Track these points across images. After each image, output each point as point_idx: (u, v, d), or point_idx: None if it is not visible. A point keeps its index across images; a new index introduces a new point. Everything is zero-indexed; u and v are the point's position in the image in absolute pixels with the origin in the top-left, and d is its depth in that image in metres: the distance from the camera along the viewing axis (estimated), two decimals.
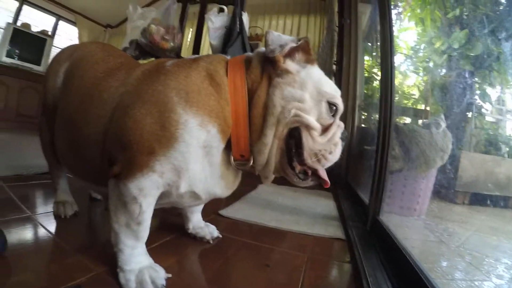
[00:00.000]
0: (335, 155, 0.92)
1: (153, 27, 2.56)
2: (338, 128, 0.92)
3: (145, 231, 0.89)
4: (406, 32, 2.96)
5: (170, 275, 0.91)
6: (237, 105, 0.88)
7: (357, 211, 2.01)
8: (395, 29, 2.95)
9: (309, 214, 1.92)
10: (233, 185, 1.01)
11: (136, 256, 0.89)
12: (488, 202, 1.86)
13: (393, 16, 2.89)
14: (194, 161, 0.84)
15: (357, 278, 1.08)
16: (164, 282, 0.86)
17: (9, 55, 4.65)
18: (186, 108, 0.82)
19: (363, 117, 3.55)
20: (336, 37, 3.73)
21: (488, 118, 2.03)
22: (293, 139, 0.89)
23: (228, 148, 0.90)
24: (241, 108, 0.88)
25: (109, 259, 0.91)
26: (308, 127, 0.88)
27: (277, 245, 1.33)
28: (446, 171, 2.07)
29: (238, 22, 2.43)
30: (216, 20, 2.44)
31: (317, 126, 0.89)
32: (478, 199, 1.93)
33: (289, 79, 0.89)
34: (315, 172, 0.95)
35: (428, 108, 2.82)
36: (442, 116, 2.07)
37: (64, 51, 1.28)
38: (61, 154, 1.19)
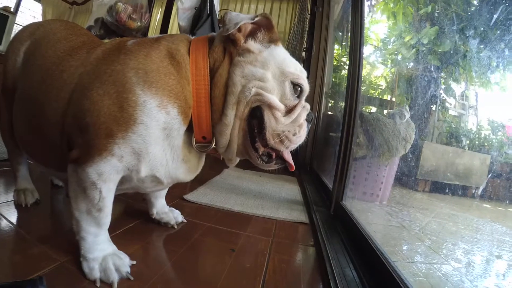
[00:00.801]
0: (300, 137, 0.91)
1: (120, 5, 2.47)
2: (303, 109, 0.91)
3: (106, 217, 0.86)
4: (378, 24, 3.00)
5: (134, 262, 0.89)
6: (198, 84, 0.85)
7: (321, 196, 2.05)
8: (367, 21, 2.99)
9: (273, 199, 1.94)
10: (196, 168, 0.98)
11: (99, 244, 0.86)
12: (448, 190, 1.93)
13: (366, 8, 2.92)
14: (154, 144, 0.81)
15: (320, 261, 1.10)
16: (128, 269, 0.84)
17: None
18: (145, 89, 0.78)
19: (330, 104, 3.60)
20: (307, 25, 3.74)
21: (451, 112, 2.09)
22: (256, 119, 0.88)
23: (190, 130, 0.88)
24: (203, 87, 0.86)
25: (72, 248, 0.88)
26: (271, 107, 0.86)
27: (242, 229, 1.33)
28: (408, 160, 2.13)
29: (208, 4, 2.38)
30: (186, 1, 2.38)
31: (280, 105, 0.87)
32: (438, 187, 1.99)
33: (250, 58, 0.87)
34: (279, 155, 0.93)
35: (393, 99, 2.87)
36: (407, 107, 2.12)
37: (25, 29, 1.20)
38: (20, 138, 1.13)
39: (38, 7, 6.05)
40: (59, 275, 0.80)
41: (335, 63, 3.91)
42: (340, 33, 3.82)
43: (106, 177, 0.80)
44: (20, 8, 5.67)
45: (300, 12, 3.85)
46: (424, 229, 1.71)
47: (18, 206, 1.20)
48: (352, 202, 1.74)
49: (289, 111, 0.89)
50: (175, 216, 1.26)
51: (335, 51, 3.93)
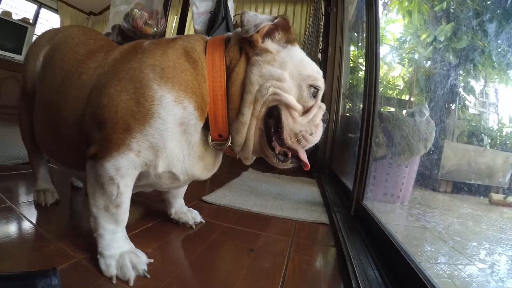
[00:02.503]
0: (316, 137, 0.91)
1: (136, 12, 2.50)
2: (319, 109, 0.91)
3: (124, 214, 0.86)
4: (394, 24, 2.97)
5: (151, 260, 0.89)
6: (214, 82, 0.86)
7: (341, 197, 2.02)
8: (382, 20, 2.96)
9: (292, 200, 1.92)
10: (213, 166, 0.99)
11: (116, 241, 0.86)
12: (470, 190, 1.89)
13: (380, 7, 2.89)
14: (172, 139, 0.82)
15: (341, 261, 1.08)
16: (145, 267, 0.84)
17: None
18: (161, 84, 0.80)
19: (348, 106, 3.56)
20: (322, 26, 3.72)
21: (472, 110, 2.05)
22: (273, 119, 0.88)
23: (206, 127, 0.88)
24: (219, 85, 0.86)
25: (89, 246, 0.88)
26: (288, 107, 0.86)
27: (261, 230, 1.32)
28: (429, 160, 2.09)
29: (222, 8, 2.39)
30: (200, 5, 2.40)
31: (298, 106, 0.87)
32: (460, 188, 1.95)
33: (268, 58, 0.86)
34: (295, 154, 0.93)
35: (412, 99, 2.84)
36: (426, 105, 2.09)
37: (44, 35, 1.24)
38: (40, 139, 1.16)
39: (56, 18, 6.19)
40: (76, 272, 0.81)
41: (351, 65, 3.88)
42: (356, 34, 3.79)
43: (124, 172, 0.81)
44: (39, 20, 5.83)
45: (314, 14, 3.83)
46: (447, 229, 1.68)
47: (38, 206, 1.22)
48: (372, 203, 1.71)
49: (306, 111, 0.89)
50: (193, 216, 1.26)
51: (351, 52, 3.90)
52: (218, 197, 1.73)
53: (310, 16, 4.07)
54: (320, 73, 0.93)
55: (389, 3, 2.95)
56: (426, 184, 2.15)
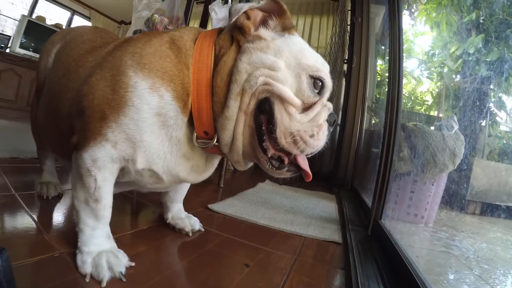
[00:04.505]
0: (318, 140, 0.77)
1: (156, 17, 2.50)
2: (324, 108, 0.79)
3: (104, 210, 0.82)
4: (422, 36, 2.88)
5: (133, 264, 0.84)
6: (200, 71, 0.79)
7: (360, 215, 1.91)
8: (410, 33, 2.87)
9: (305, 215, 1.81)
10: (204, 169, 0.90)
11: (96, 238, 0.83)
12: (500, 213, 1.79)
13: (407, 18, 2.81)
14: (150, 132, 0.76)
15: (348, 287, 0.97)
16: (123, 270, 0.79)
17: (23, 46, 4.71)
18: (137, 70, 0.76)
19: (373, 121, 3.45)
20: (348, 38, 3.65)
21: (503, 127, 1.96)
22: (264, 114, 0.77)
23: (192, 124, 0.81)
24: (204, 75, 0.79)
25: (76, 241, 0.85)
26: (283, 100, 0.75)
27: (263, 244, 1.22)
28: (457, 178, 1.95)
29: None
30: (219, 11, 2.38)
31: (295, 100, 0.76)
32: (490, 210, 1.83)
33: (261, 45, 0.78)
34: (293, 160, 0.80)
35: (441, 115, 2.74)
36: (455, 118, 1.96)
37: (58, 33, 1.29)
38: (43, 132, 1.19)
39: (89, 25, 6.39)
40: (54, 264, 0.79)
41: (378, 78, 3.77)
42: (383, 47, 3.69)
43: (100, 164, 0.78)
44: (72, 26, 6.04)
45: (340, 24, 3.76)
46: (474, 255, 1.55)
47: (40, 197, 1.25)
48: (393, 223, 1.60)
49: (307, 108, 0.78)
50: (191, 223, 1.19)
51: (379, 66, 3.80)
52: (226, 206, 1.65)
53: (336, 25, 3.99)
54: (326, 66, 0.82)
55: (415, 13, 2.86)
56: (453, 204, 2.02)
